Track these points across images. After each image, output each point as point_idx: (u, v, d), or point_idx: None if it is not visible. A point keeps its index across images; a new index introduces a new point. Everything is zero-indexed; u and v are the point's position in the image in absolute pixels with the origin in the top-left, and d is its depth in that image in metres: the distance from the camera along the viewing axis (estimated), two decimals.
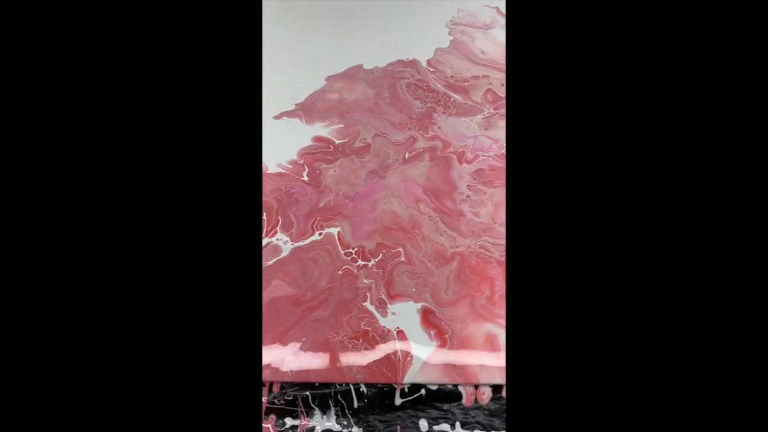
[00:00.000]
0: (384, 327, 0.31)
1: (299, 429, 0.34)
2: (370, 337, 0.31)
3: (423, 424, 0.34)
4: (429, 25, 0.44)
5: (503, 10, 0.44)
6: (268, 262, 0.34)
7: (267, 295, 0.33)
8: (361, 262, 0.33)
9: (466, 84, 0.40)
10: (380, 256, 0.34)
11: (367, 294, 0.32)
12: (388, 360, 0.31)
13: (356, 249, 0.34)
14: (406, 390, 0.34)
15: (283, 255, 0.34)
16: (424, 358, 0.30)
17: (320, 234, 0.35)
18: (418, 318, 0.31)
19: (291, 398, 0.35)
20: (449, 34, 0.43)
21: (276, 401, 0.35)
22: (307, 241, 0.34)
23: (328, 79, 0.41)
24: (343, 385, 0.34)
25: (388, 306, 0.32)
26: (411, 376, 0.30)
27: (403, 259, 0.33)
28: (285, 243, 0.34)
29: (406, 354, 0.31)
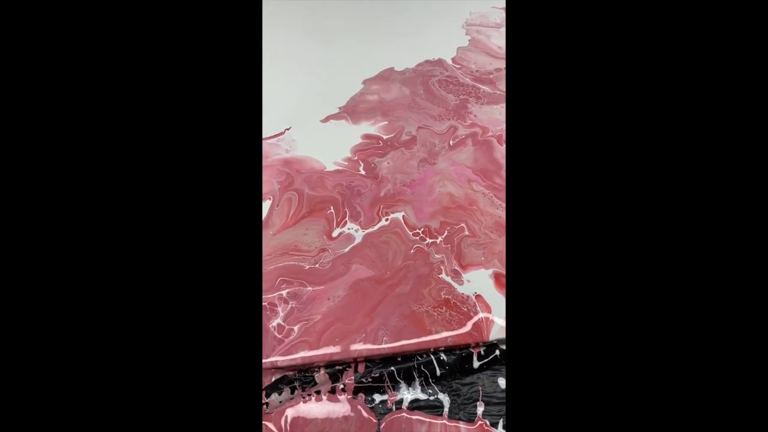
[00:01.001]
0: (463, 294, 0.34)
1: (388, 402, 0.36)
2: (452, 304, 0.34)
3: (501, 381, 0.37)
4: (447, 28, 0.48)
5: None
6: (344, 249, 0.36)
7: (350, 278, 0.35)
8: (429, 240, 0.37)
9: (491, 76, 0.45)
10: (446, 233, 0.37)
11: (441, 267, 0.35)
12: (473, 319, 0.33)
13: (422, 229, 0.37)
14: (482, 353, 0.37)
15: (356, 242, 0.37)
16: (504, 316, 0.33)
17: (387, 219, 0.37)
18: (491, 282, 0.35)
19: (377, 375, 0.37)
20: (466, 34, 0.48)
21: (363, 380, 0.37)
22: (376, 227, 0.37)
23: (364, 82, 0.45)
24: (424, 356, 0.37)
25: (463, 275, 0.35)
26: (495, 333, 0.33)
27: (467, 233, 0.37)
28: (356, 231, 0.37)
29: (488, 311, 0.34)
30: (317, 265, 0.36)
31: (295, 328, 0.33)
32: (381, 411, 0.36)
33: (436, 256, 0.36)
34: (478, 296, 0.34)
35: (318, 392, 0.37)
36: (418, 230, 0.37)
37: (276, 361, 0.32)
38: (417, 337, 0.33)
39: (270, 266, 0.36)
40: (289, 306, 0.34)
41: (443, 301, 0.34)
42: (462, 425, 0.35)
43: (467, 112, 0.43)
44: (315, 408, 0.36)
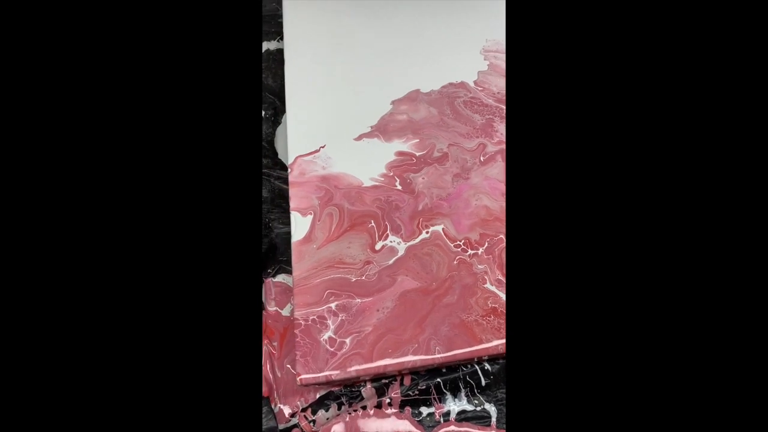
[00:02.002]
0: None
1: (435, 415, 0.36)
2: (500, 312, 0.35)
3: None
4: (466, 53, 0.51)
5: None
6: (388, 261, 0.37)
7: (397, 289, 0.36)
8: (471, 251, 0.38)
9: None
10: (486, 244, 0.38)
11: (485, 277, 0.36)
12: None
13: (463, 241, 0.38)
14: None
15: (400, 254, 0.37)
16: None
17: (427, 232, 0.39)
18: None
19: (423, 387, 0.37)
20: (485, 59, 0.51)
21: (410, 393, 0.37)
22: (417, 240, 0.38)
23: (393, 103, 0.47)
24: (469, 366, 0.37)
25: (506, 284, 0.36)
26: None
27: (505, 244, 0.38)
28: (398, 244, 0.38)
29: None
30: (363, 277, 0.36)
31: (347, 340, 0.33)
32: (429, 424, 0.36)
33: (479, 266, 0.37)
34: None
35: (364, 407, 0.37)
36: (459, 242, 0.38)
37: (330, 375, 0.32)
38: (469, 346, 0.33)
39: (317, 279, 0.36)
40: (339, 318, 0.34)
41: (491, 309, 0.35)
42: None
43: (493, 131, 0.45)
44: (363, 424, 0.36)
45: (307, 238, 0.38)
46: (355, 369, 0.32)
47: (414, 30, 0.53)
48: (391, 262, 0.37)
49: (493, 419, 0.36)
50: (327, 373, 0.32)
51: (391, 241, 0.38)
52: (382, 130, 0.45)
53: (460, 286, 0.36)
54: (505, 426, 0.36)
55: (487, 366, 0.38)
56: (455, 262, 0.37)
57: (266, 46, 0.60)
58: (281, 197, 0.47)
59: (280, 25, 0.61)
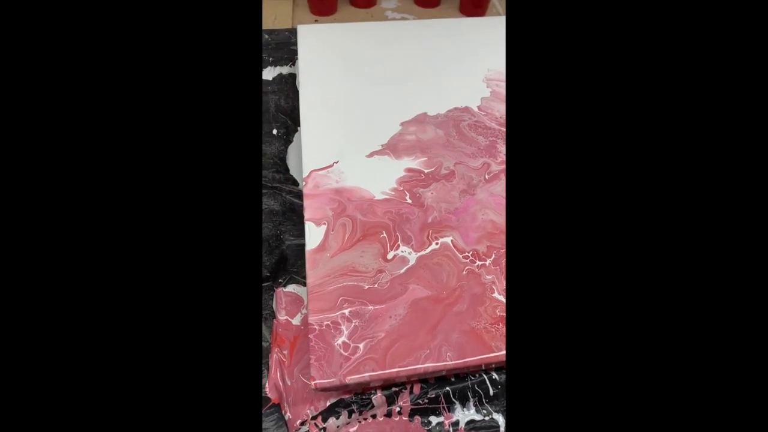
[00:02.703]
0: None
1: (445, 424, 0.37)
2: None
3: None
4: (470, 81, 0.54)
5: None
6: (400, 270, 0.38)
7: (408, 297, 0.37)
8: (479, 263, 0.39)
9: None
10: (493, 256, 0.40)
11: (493, 287, 0.38)
12: None
13: (471, 252, 0.40)
14: None
15: (411, 264, 0.39)
16: None
17: (437, 243, 0.40)
18: None
19: (433, 396, 0.37)
20: (487, 87, 0.54)
21: (420, 402, 0.37)
22: (428, 250, 0.40)
23: (402, 124, 0.49)
24: (477, 376, 0.38)
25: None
26: None
27: None
28: (409, 254, 0.39)
29: None
30: (376, 285, 0.37)
31: (361, 345, 0.34)
32: None
33: (487, 277, 0.38)
34: None
35: (374, 416, 0.37)
36: (467, 253, 0.40)
37: (344, 379, 0.33)
38: (480, 353, 0.34)
39: (330, 287, 0.37)
40: (353, 324, 0.35)
41: (499, 318, 0.36)
42: None
43: (497, 152, 0.47)
44: (369, 430, 0.36)
45: (321, 247, 0.39)
46: (369, 374, 0.33)
47: (421, 59, 0.56)
48: (402, 271, 0.38)
49: (502, 429, 0.37)
50: (341, 377, 0.33)
51: (402, 251, 0.39)
52: (392, 148, 0.47)
53: (469, 295, 0.37)
54: None
55: (495, 375, 0.38)
56: (464, 272, 0.39)
57: (279, 70, 0.63)
58: (292, 210, 0.49)
59: (293, 51, 0.65)
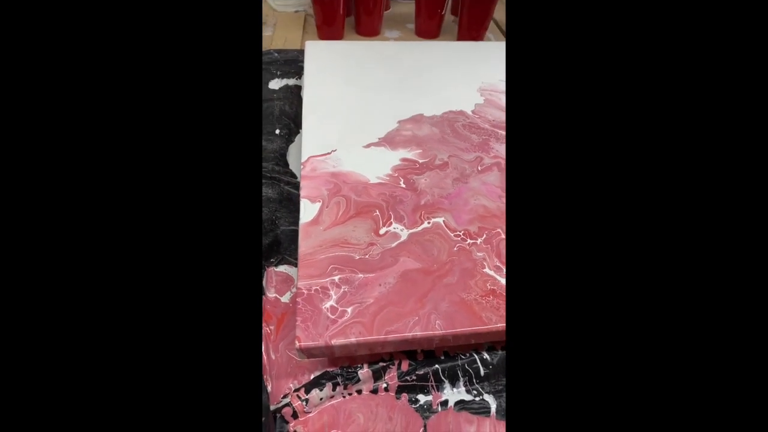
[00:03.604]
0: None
1: (433, 403, 0.35)
2: (498, 294, 0.36)
3: None
4: (465, 90, 0.57)
5: None
6: (391, 244, 0.38)
7: (399, 268, 0.37)
8: (470, 241, 0.39)
9: (504, 124, 0.53)
10: (484, 236, 0.40)
11: (484, 263, 0.38)
12: None
13: (463, 232, 0.40)
14: None
15: (402, 239, 0.39)
16: None
17: (429, 222, 0.41)
18: None
19: (422, 373, 0.36)
20: (481, 96, 0.57)
21: (408, 378, 0.36)
22: (419, 228, 0.40)
23: (399, 122, 0.51)
24: (467, 355, 0.37)
25: (504, 270, 0.37)
26: None
27: (503, 236, 0.40)
28: (401, 230, 0.40)
29: None
30: (367, 256, 0.37)
31: (349, 309, 0.34)
32: (425, 413, 0.35)
33: (478, 254, 0.38)
34: None
35: (359, 391, 0.36)
36: (458, 232, 0.40)
37: (330, 341, 0.32)
38: (470, 324, 0.33)
39: (321, 255, 0.37)
40: (342, 290, 0.35)
41: (489, 291, 0.36)
42: None
43: (490, 148, 0.49)
44: (356, 407, 0.35)
45: (315, 221, 0.40)
46: (355, 338, 0.32)
47: (419, 70, 0.60)
48: (393, 245, 0.38)
49: (493, 410, 0.35)
50: (326, 338, 0.32)
51: (394, 228, 0.40)
52: (389, 141, 0.49)
53: (459, 269, 0.37)
54: (504, 417, 0.35)
55: (486, 355, 0.37)
56: (455, 249, 0.39)
57: (285, 82, 0.67)
58: (288, 200, 0.49)
59: (299, 68, 0.69)
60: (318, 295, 0.34)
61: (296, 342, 0.32)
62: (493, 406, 0.35)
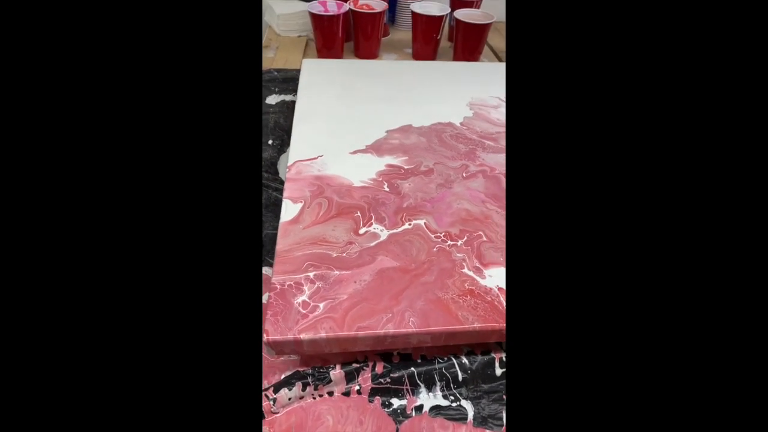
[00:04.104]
0: (486, 285, 0.35)
1: (407, 408, 0.34)
2: (476, 293, 0.35)
3: None
4: (454, 104, 0.58)
5: (503, 97, 0.60)
6: (370, 243, 0.38)
7: (376, 266, 0.36)
8: (450, 242, 0.39)
9: (493, 135, 0.53)
10: (465, 238, 0.39)
11: (463, 263, 0.37)
12: (496, 308, 0.34)
13: (443, 233, 0.40)
14: (504, 359, 0.36)
15: (381, 239, 0.39)
16: None
17: (410, 224, 0.40)
18: None
19: (396, 376, 0.35)
20: (470, 109, 0.58)
21: (381, 381, 0.34)
22: (399, 229, 0.40)
23: (387, 131, 0.52)
24: (445, 359, 0.36)
25: (484, 271, 0.36)
26: None
27: (485, 239, 0.39)
28: (381, 231, 0.39)
29: None
30: (344, 255, 0.37)
31: (321, 305, 0.33)
32: (399, 418, 0.33)
33: (458, 254, 0.38)
34: (500, 288, 0.35)
35: (331, 393, 0.34)
36: (439, 234, 0.39)
37: (299, 336, 0.31)
38: (446, 324, 0.32)
39: (298, 252, 0.37)
40: (316, 285, 0.34)
41: (467, 290, 0.35)
42: None
43: (476, 156, 0.49)
44: (326, 409, 0.33)
45: (295, 220, 0.40)
46: (325, 333, 0.31)
47: (411, 86, 0.62)
48: (372, 244, 0.38)
49: (470, 416, 0.33)
50: (295, 332, 0.31)
51: (374, 228, 0.39)
52: (376, 149, 0.49)
53: (438, 268, 0.36)
54: (482, 425, 0.33)
55: (465, 360, 0.36)
56: (435, 249, 0.38)
57: (282, 98, 0.69)
58: (275, 205, 0.50)
59: (297, 85, 0.71)
60: (291, 291, 0.34)
61: (264, 335, 0.31)
62: (471, 413, 0.33)
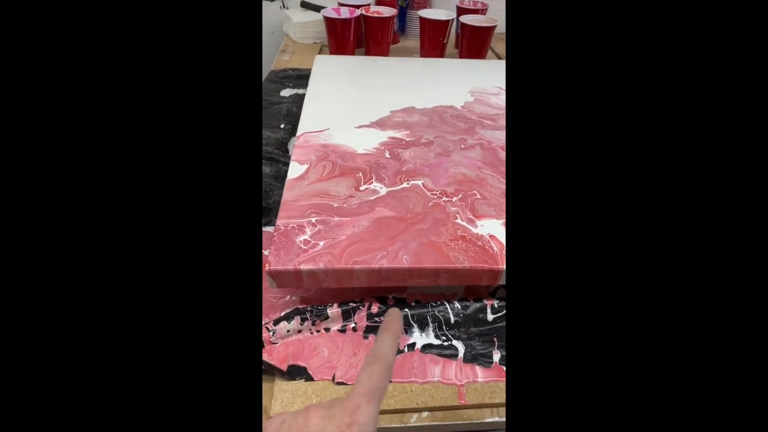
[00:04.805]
0: (477, 233, 0.37)
1: (400, 344, 0.35)
2: (468, 239, 0.36)
3: None
4: (456, 91, 0.62)
5: (504, 86, 0.64)
6: (369, 198, 0.40)
7: (374, 215, 0.38)
8: (446, 199, 0.41)
9: (492, 116, 0.56)
10: (460, 195, 0.41)
11: (457, 215, 0.39)
12: (487, 251, 0.35)
13: (440, 192, 0.42)
14: (496, 306, 0.37)
15: (381, 194, 0.41)
16: None
17: (408, 183, 0.43)
18: (503, 229, 0.38)
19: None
20: (471, 96, 0.61)
21: (376, 319, 0.36)
22: (398, 187, 0.42)
23: (391, 111, 0.55)
24: (438, 303, 0.37)
25: (477, 222, 0.38)
26: None
27: (479, 196, 0.41)
28: (381, 188, 0.42)
29: (501, 246, 0.36)
30: (345, 205, 0.39)
31: (321, 243, 0.35)
32: None
33: (452, 208, 0.40)
34: (491, 236, 0.37)
35: (328, 329, 0.36)
36: (435, 192, 0.42)
37: (299, 267, 0.33)
38: (436, 262, 0.34)
39: (302, 202, 0.39)
40: (317, 228, 0.37)
41: (459, 236, 0.37)
42: (478, 368, 0.34)
43: (474, 132, 0.52)
44: (323, 342, 0.35)
45: (301, 177, 0.42)
46: (323, 266, 0.33)
47: (417, 77, 0.65)
48: (372, 198, 0.40)
49: (460, 354, 0.34)
50: (295, 263, 0.33)
51: (374, 186, 0.42)
52: (380, 124, 0.52)
53: (432, 218, 0.38)
54: (472, 361, 0.34)
55: (458, 305, 0.37)
56: (430, 204, 0.40)
57: (296, 91, 0.74)
58: (283, 177, 0.53)
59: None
60: (294, 231, 0.36)
61: (266, 266, 0.33)
62: (462, 351, 0.35)
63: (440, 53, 0.87)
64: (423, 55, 0.88)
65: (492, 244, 0.36)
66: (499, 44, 0.99)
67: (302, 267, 0.33)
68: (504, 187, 0.43)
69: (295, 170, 0.43)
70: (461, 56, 0.85)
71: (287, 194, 0.40)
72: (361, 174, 0.43)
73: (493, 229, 0.38)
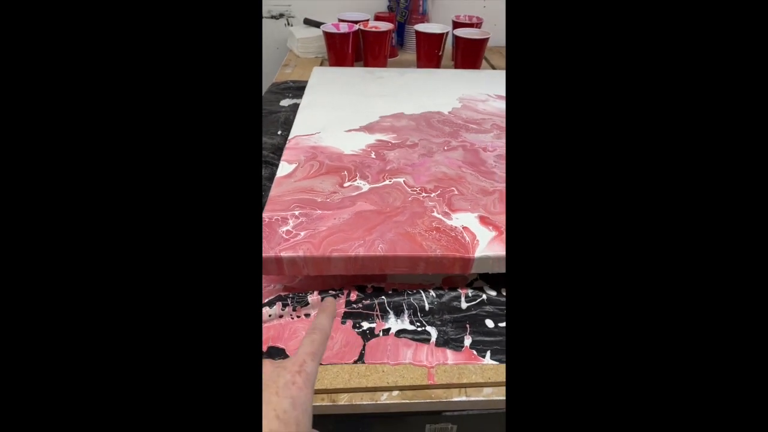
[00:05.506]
0: (452, 225, 0.39)
1: (375, 329, 0.37)
2: (442, 230, 0.38)
3: (489, 322, 0.37)
4: (446, 99, 0.64)
5: (492, 94, 0.66)
6: (352, 194, 0.43)
7: (354, 209, 0.40)
8: (424, 194, 0.43)
9: (477, 120, 0.58)
10: (439, 191, 0.43)
11: (434, 209, 0.41)
12: (459, 241, 0.37)
13: (419, 188, 0.44)
14: (470, 295, 0.39)
15: (363, 191, 0.43)
16: (488, 239, 0.37)
17: (390, 181, 0.45)
18: (477, 221, 0.40)
19: (368, 303, 0.38)
20: (459, 102, 0.63)
21: (354, 306, 0.38)
22: (380, 184, 0.44)
23: (381, 117, 0.58)
24: (413, 291, 0.39)
25: (452, 215, 0.40)
26: (480, 250, 0.36)
27: (456, 192, 0.43)
28: (363, 185, 0.44)
29: (473, 237, 0.38)
30: (328, 200, 0.42)
31: (302, 233, 0.37)
32: (367, 337, 0.36)
33: (430, 203, 0.42)
34: (465, 227, 0.39)
35: (308, 315, 0.38)
36: (415, 188, 0.44)
37: (279, 254, 0.35)
38: (410, 250, 0.36)
39: (287, 197, 0.42)
40: (299, 220, 0.39)
41: (434, 228, 0.39)
42: (449, 351, 0.35)
43: (458, 135, 0.54)
44: (302, 327, 0.37)
45: (289, 176, 0.45)
46: (303, 253, 0.35)
47: (408, 86, 0.68)
48: (354, 194, 0.43)
49: (433, 339, 0.36)
50: (276, 251, 0.35)
51: (358, 183, 0.44)
52: (369, 129, 0.55)
53: (410, 212, 0.40)
54: (443, 345, 0.35)
55: (433, 293, 0.39)
56: (410, 199, 0.42)
57: (294, 101, 0.77)
58: None
59: None
60: (277, 222, 0.39)
61: None
62: (434, 336, 0.36)
63: (436, 65, 0.90)
64: (419, 66, 0.91)
65: (464, 234, 0.38)
66: (495, 56, 1.02)
67: (283, 254, 0.35)
68: (483, 184, 0.45)
69: (284, 169, 0.46)
70: (456, 68, 0.89)
71: (275, 190, 0.43)
72: (346, 172, 0.46)
73: (467, 221, 0.40)
